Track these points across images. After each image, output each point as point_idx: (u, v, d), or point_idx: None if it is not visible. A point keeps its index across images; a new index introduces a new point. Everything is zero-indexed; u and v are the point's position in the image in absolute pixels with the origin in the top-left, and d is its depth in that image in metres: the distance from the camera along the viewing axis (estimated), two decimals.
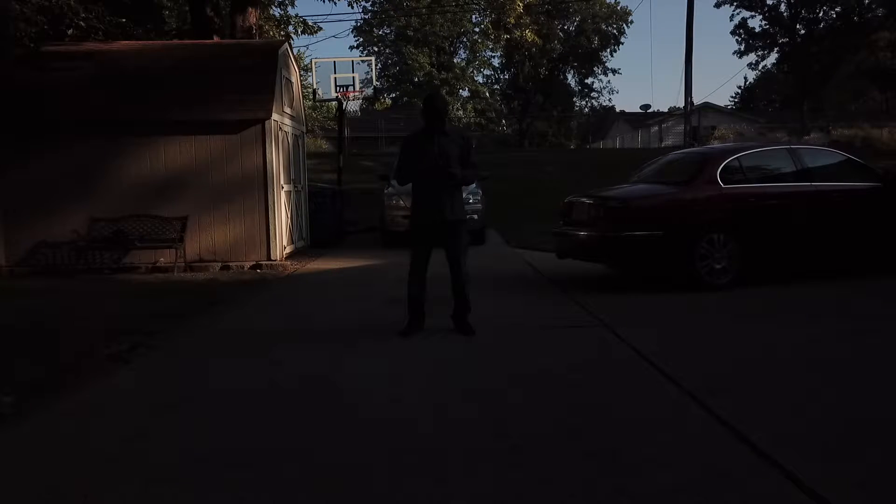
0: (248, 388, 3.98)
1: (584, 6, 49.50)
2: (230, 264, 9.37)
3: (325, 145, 34.37)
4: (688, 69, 26.45)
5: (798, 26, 43.05)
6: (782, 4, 42.87)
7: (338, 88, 15.46)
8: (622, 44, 62.25)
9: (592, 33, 53.01)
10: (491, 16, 19.11)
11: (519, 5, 16.22)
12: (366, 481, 2.68)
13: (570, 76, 57.72)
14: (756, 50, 46.34)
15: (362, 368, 4.34)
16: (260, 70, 9.85)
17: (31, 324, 5.78)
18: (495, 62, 54.11)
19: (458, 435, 3.14)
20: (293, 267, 9.42)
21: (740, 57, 48.21)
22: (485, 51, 50.23)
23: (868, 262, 7.34)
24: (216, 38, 13.32)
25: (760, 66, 49.64)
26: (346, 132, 24.49)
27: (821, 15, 42.53)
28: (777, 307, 6.00)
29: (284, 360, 4.59)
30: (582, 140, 58.56)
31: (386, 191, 11.79)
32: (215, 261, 9.43)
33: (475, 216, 11.12)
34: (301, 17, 17.79)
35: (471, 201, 10.86)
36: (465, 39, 50.24)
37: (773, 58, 46.57)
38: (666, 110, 49.50)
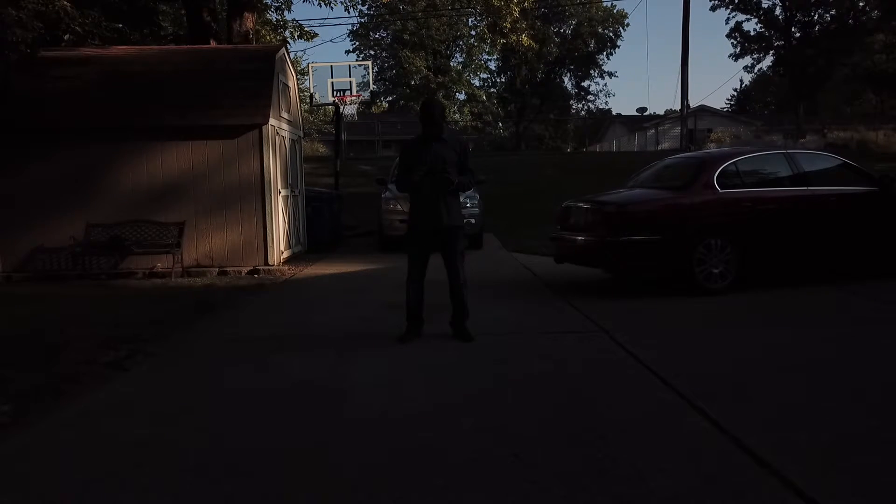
0: (248, 394, 3.98)
1: (581, 10, 49.66)
2: (227, 270, 9.36)
3: (322, 149, 34.37)
4: (684, 72, 26.58)
5: (793, 29, 43.25)
6: (777, 7, 43.08)
7: (335, 92, 15.47)
8: (618, 47, 62.58)
9: (588, 36, 53.16)
10: (487, 20, 19.06)
11: (515, 10, 16.21)
12: (367, 485, 2.68)
13: (566, 79, 57.90)
14: (751, 53, 46.59)
15: (362, 374, 4.34)
16: (257, 75, 9.86)
17: (31, 331, 5.77)
18: (492, 65, 54.27)
19: (459, 441, 3.14)
20: (291, 272, 9.42)
21: (736, 60, 48.57)
22: (481, 54, 50.35)
23: (865, 265, 7.37)
24: (213, 43, 13.31)
25: (756, 69, 49.94)
26: (344, 136, 24.49)
27: (815, 18, 42.73)
28: (775, 311, 6.02)
29: (284, 365, 4.59)
30: (578, 143, 58.66)
31: (383, 195, 11.79)
32: (213, 266, 9.42)
33: (472, 220, 11.14)
34: (297, 21, 17.76)
35: (468, 205, 10.88)
36: (461, 43, 50.34)
37: (768, 60, 46.84)
38: (662, 113, 49.71)
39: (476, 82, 53.32)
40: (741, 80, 64.38)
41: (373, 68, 24.83)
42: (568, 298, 6.76)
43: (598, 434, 3.17)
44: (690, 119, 30.44)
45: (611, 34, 54.15)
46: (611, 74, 76.44)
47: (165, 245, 9.21)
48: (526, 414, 3.51)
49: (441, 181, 4.97)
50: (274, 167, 9.69)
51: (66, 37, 12.01)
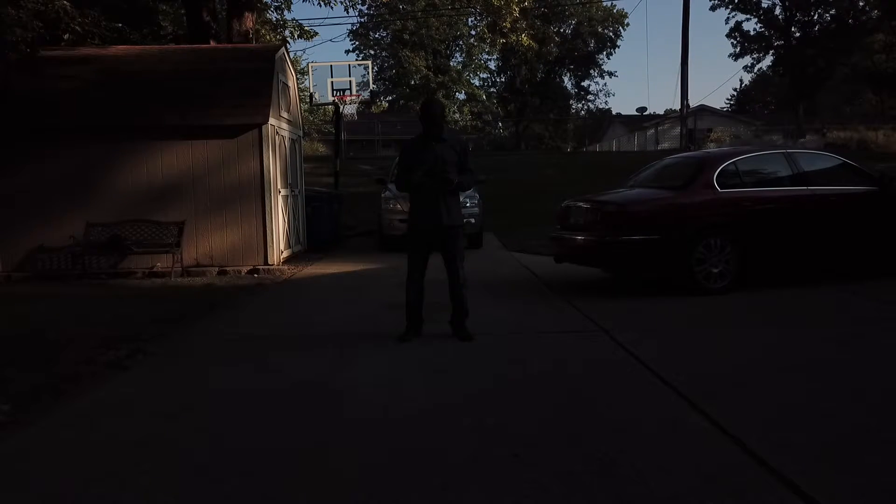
0: (248, 394, 3.98)
1: (581, 9, 49.66)
2: (227, 269, 9.36)
3: (322, 149, 34.35)
4: (684, 72, 26.59)
5: (793, 29, 43.27)
6: (777, 7, 43.10)
7: (334, 92, 15.46)
8: (618, 46, 62.59)
9: (588, 36, 53.18)
10: (487, 19, 19.10)
11: (515, 10, 16.22)
12: (367, 485, 2.68)
13: (566, 79, 57.89)
14: (751, 52, 46.62)
15: (362, 374, 4.34)
16: (257, 75, 9.86)
17: (31, 330, 5.77)
18: (492, 65, 54.26)
19: (459, 440, 3.14)
20: (291, 271, 9.42)
21: (736, 59, 48.59)
22: (481, 54, 50.34)
23: (865, 265, 7.37)
24: (213, 43, 13.30)
25: (756, 69, 49.96)
26: (343, 136, 24.48)
27: (815, 18, 42.75)
28: (775, 311, 6.02)
29: (283, 365, 4.59)
30: (578, 143, 58.64)
31: (383, 195, 11.80)
32: (212, 266, 9.42)
33: (472, 220, 11.15)
34: (297, 21, 17.78)
35: (468, 205, 10.88)
36: (461, 43, 50.33)
37: (768, 60, 46.86)
38: (662, 113, 49.70)
39: (476, 82, 53.34)
40: (741, 80, 64.50)
41: (373, 68, 24.83)
42: (568, 298, 6.76)
43: (597, 432, 3.17)
44: (690, 119, 30.43)
45: (611, 34, 54.16)
46: (611, 74, 76.51)
47: (165, 245, 9.21)
48: (526, 414, 3.50)
49: (441, 181, 4.97)
50: (274, 167, 9.69)
51: (66, 36, 12.00)
